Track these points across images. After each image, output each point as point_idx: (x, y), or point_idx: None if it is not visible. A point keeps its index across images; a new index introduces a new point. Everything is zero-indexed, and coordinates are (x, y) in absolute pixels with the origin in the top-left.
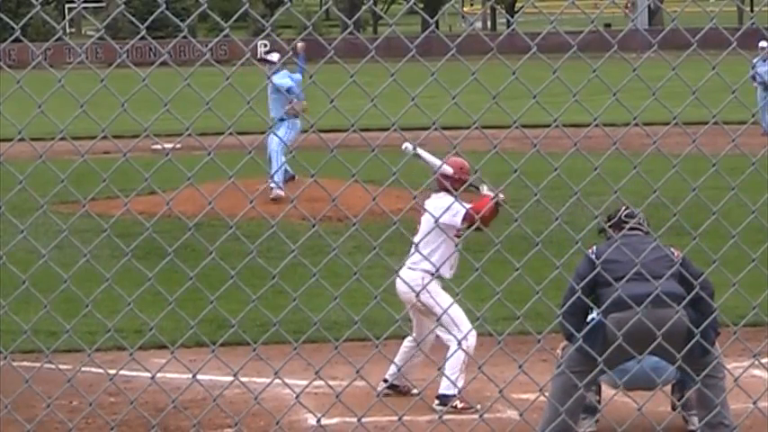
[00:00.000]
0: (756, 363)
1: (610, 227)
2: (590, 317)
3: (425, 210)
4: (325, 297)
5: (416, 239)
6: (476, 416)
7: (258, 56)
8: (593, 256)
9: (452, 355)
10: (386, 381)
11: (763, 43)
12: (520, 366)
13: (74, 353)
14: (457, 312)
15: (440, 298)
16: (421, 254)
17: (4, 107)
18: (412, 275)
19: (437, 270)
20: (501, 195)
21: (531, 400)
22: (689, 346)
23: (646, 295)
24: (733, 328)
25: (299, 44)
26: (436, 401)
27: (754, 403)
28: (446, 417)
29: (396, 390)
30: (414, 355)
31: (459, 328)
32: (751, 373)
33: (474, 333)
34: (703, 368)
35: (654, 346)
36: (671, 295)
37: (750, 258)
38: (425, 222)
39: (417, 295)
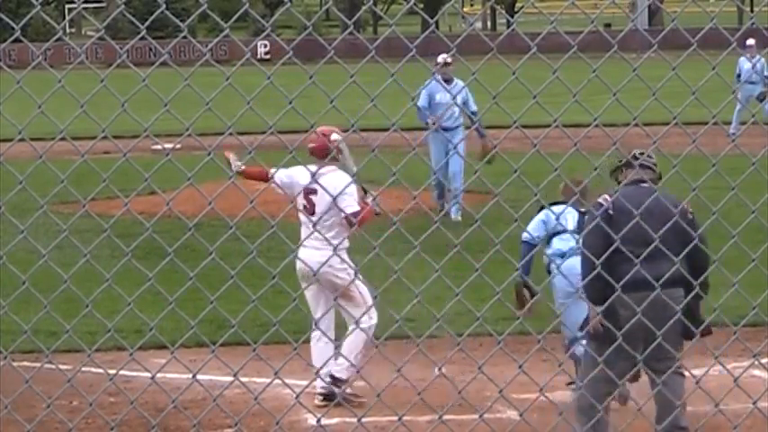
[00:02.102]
0: (756, 363)
1: (621, 167)
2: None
3: (322, 187)
4: None
5: (315, 218)
6: (476, 416)
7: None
8: (610, 210)
9: (352, 337)
10: (326, 395)
11: (750, 41)
12: (520, 366)
13: (74, 353)
14: (369, 295)
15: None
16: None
17: (4, 107)
18: (327, 256)
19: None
20: (377, 209)
21: (531, 400)
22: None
23: (656, 278)
24: (733, 328)
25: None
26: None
27: (754, 403)
28: (446, 417)
29: (331, 399)
30: (329, 352)
31: (370, 314)
32: (751, 373)
33: (375, 318)
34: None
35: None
36: (677, 276)
37: (750, 258)
38: (323, 201)
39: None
